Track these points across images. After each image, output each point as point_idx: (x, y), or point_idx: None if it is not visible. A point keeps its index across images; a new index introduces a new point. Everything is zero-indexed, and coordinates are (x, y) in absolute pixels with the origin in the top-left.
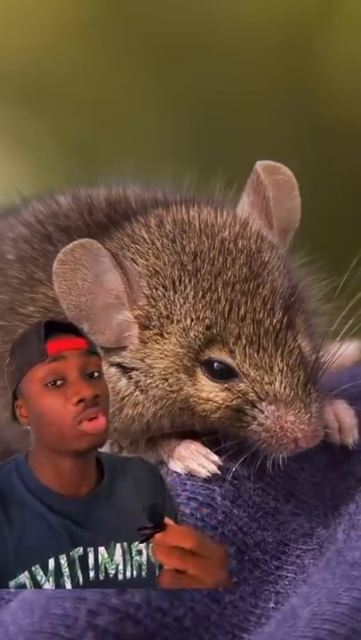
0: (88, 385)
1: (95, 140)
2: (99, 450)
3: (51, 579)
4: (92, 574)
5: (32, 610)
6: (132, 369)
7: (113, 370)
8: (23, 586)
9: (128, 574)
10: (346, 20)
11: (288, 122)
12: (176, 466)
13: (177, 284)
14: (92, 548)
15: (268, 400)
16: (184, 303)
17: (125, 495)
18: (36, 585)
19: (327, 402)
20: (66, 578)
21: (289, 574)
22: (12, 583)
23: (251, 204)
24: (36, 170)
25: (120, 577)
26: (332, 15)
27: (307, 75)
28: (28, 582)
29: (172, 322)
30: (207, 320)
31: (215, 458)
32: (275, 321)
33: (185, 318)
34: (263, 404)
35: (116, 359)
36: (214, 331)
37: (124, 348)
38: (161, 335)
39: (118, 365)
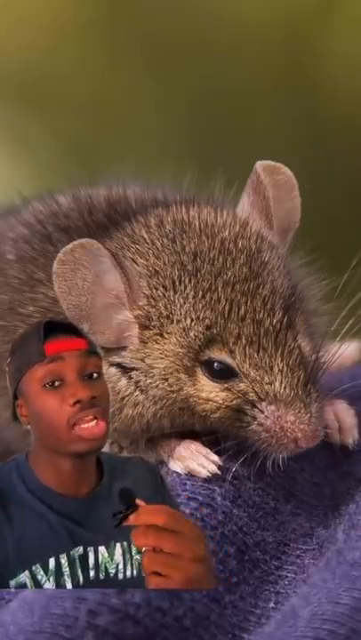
0: (85, 386)
1: (95, 140)
2: None
3: (51, 578)
4: (92, 574)
5: (32, 610)
6: (132, 369)
7: (113, 370)
8: (24, 585)
9: (128, 573)
10: (346, 20)
11: (288, 122)
12: (176, 466)
13: (177, 283)
14: (92, 548)
15: (268, 400)
16: (184, 303)
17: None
18: (37, 584)
19: (327, 402)
20: (66, 577)
21: (289, 574)
22: (12, 582)
23: (251, 204)
24: (36, 170)
25: (120, 576)
26: (332, 15)
27: (307, 75)
28: (28, 582)
29: (172, 322)
30: (207, 320)
31: (215, 458)
32: (275, 321)
33: (185, 318)
34: (263, 404)
35: (116, 359)
36: (214, 331)
37: (124, 348)
38: (161, 335)
39: (118, 365)
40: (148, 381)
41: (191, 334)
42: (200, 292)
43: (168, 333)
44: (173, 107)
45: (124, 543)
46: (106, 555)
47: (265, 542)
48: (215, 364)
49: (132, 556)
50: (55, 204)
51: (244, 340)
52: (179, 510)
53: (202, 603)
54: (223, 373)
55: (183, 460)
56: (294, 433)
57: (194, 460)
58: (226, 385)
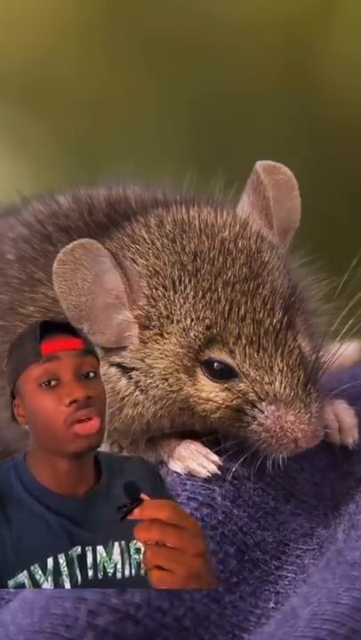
0: (81, 386)
1: (95, 140)
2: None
3: (49, 578)
4: (90, 573)
5: (32, 610)
6: (132, 369)
7: (113, 370)
8: (22, 585)
9: (127, 573)
10: (346, 20)
11: (288, 122)
12: (176, 466)
13: (177, 283)
14: (90, 548)
15: (268, 400)
16: (184, 303)
17: (128, 496)
18: (35, 584)
19: (327, 402)
20: (65, 577)
21: (289, 574)
22: (10, 582)
23: (251, 204)
24: (36, 170)
25: (119, 576)
26: (332, 15)
27: (307, 75)
28: (26, 582)
29: (172, 322)
30: (207, 320)
31: (215, 458)
32: (275, 321)
33: (185, 318)
34: (263, 404)
35: (116, 359)
36: (214, 331)
37: (124, 348)
38: (161, 335)
39: (118, 365)
40: (148, 381)
41: (191, 334)
42: (200, 292)
43: (168, 333)
44: (173, 107)
45: (123, 542)
46: (104, 554)
47: (265, 542)
48: (215, 364)
49: (130, 556)
50: (55, 203)
51: (244, 340)
52: None
53: (202, 603)
54: (223, 373)
55: (183, 460)
56: (294, 433)
57: (194, 459)
58: (226, 385)
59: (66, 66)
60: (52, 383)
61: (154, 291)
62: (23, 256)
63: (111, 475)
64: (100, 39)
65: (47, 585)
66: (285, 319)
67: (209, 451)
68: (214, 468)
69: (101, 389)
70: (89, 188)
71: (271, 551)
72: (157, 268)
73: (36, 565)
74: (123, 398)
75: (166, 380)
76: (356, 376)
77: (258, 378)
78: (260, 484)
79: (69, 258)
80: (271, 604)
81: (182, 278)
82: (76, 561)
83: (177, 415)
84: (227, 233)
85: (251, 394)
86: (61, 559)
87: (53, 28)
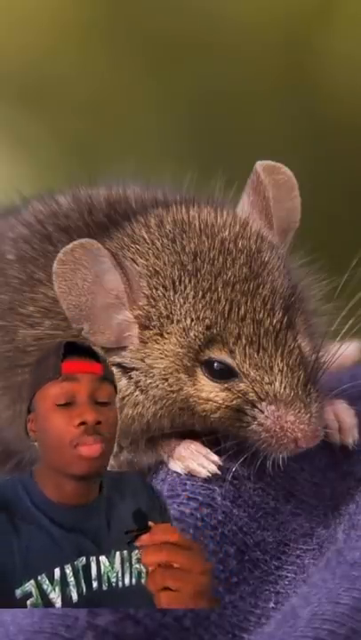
0: (94, 410)
1: (95, 140)
2: None
3: (57, 588)
4: (95, 585)
5: (32, 610)
6: (132, 369)
7: (113, 370)
8: (29, 594)
9: (127, 581)
10: (346, 19)
11: (288, 121)
12: (176, 466)
13: (177, 283)
14: (94, 558)
15: (268, 400)
16: (184, 303)
17: (125, 505)
18: (42, 594)
19: (327, 402)
20: (72, 587)
21: (289, 574)
22: (18, 591)
23: (251, 204)
24: (36, 170)
25: (120, 585)
26: (332, 14)
27: (307, 74)
28: (34, 591)
29: (172, 322)
30: (207, 320)
31: (215, 458)
32: (275, 321)
33: (185, 318)
34: (263, 404)
35: (116, 359)
36: (214, 331)
37: (124, 348)
38: (161, 335)
39: (118, 365)
40: (148, 381)
41: (191, 334)
42: (200, 292)
43: (168, 333)
44: (173, 107)
45: (124, 552)
46: (107, 564)
47: (265, 542)
48: (215, 364)
49: (131, 565)
50: (55, 203)
51: (244, 340)
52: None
53: None
54: (223, 373)
55: (183, 460)
56: (294, 433)
57: (194, 459)
58: (226, 385)
59: (66, 66)
60: (67, 403)
61: (154, 291)
62: (23, 256)
63: (111, 487)
64: (100, 39)
65: (54, 595)
66: (285, 319)
67: (209, 451)
68: (214, 468)
69: (113, 418)
70: (89, 188)
71: (271, 551)
72: (157, 268)
73: (44, 575)
74: (123, 398)
75: (166, 380)
76: (356, 376)
77: (258, 378)
78: (260, 484)
79: (69, 258)
80: (271, 604)
81: (182, 278)
82: (81, 572)
83: (177, 415)
84: (227, 233)
85: (251, 394)
86: (68, 570)
87: (53, 28)
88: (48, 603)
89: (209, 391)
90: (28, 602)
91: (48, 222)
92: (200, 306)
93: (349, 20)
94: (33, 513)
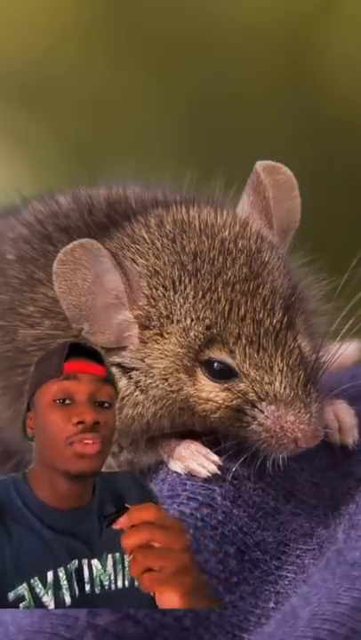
0: (93, 410)
1: (95, 140)
2: None
3: (50, 591)
4: (87, 588)
5: (32, 610)
6: (132, 369)
7: (113, 370)
8: (22, 597)
9: (120, 584)
10: (346, 19)
11: (288, 121)
12: (176, 466)
13: (177, 283)
14: (86, 561)
15: (268, 400)
16: (184, 303)
17: (116, 507)
18: (35, 597)
19: (327, 402)
20: (65, 591)
21: (289, 574)
22: (11, 595)
23: (251, 204)
24: (36, 170)
25: (113, 587)
26: (332, 14)
27: (307, 74)
28: (26, 594)
29: (172, 322)
30: (207, 320)
31: (215, 458)
32: (275, 321)
33: (185, 318)
34: (263, 404)
35: (116, 359)
36: (214, 331)
37: (124, 348)
38: (161, 335)
39: (118, 365)
40: (148, 381)
41: (191, 334)
42: (200, 292)
43: (168, 333)
44: (173, 107)
45: (117, 554)
46: (99, 566)
47: (265, 542)
48: (215, 364)
49: (124, 567)
50: (55, 203)
51: (244, 340)
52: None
53: None
54: (223, 373)
55: (183, 460)
56: (294, 433)
57: (194, 459)
58: (226, 385)
59: (66, 66)
60: (67, 402)
61: (154, 291)
62: (23, 256)
63: (104, 489)
64: (100, 39)
65: (47, 598)
66: (285, 319)
67: (209, 451)
68: (214, 468)
69: (112, 420)
70: (89, 188)
71: (271, 551)
72: (157, 268)
73: (36, 579)
74: (123, 398)
75: (166, 380)
76: (356, 376)
77: (258, 378)
78: (260, 484)
79: (69, 258)
80: (271, 604)
81: (182, 278)
82: (74, 575)
83: (177, 415)
84: (227, 233)
85: (251, 394)
86: (61, 573)
87: (53, 28)
88: (41, 606)
89: (209, 391)
90: (21, 605)
91: (48, 222)
92: (200, 306)
93: (349, 20)
94: (24, 514)
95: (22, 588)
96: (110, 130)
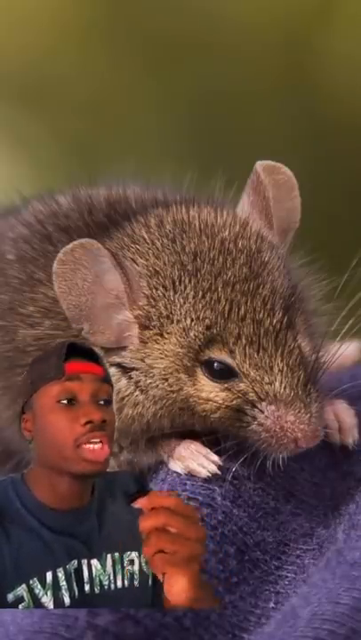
0: (98, 409)
1: (95, 140)
2: None
3: (49, 592)
4: (87, 588)
5: (32, 610)
6: (132, 369)
7: (113, 370)
8: (21, 599)
9: (119, 584)
10: (346, 19)
11: (288, 121)
12: (176, 466)
13: (177, 283)
14: (85, 561)
15: (268, 400)
16: (184, 303)
17: (116, 507)
18: (34, 598)
19: (327, 402)
20: (64, 591)
21: (289, 574)
22: (10, 596)
23: (251, 204)
24: (36, 170)
25: (112, 587)
26: (332, 14)
27: (307, 74)
28: (25, 595)
29: (172, 322)
30: (207, 320)
31: (215, 458)
32: (275, 321)
33: (185, 318)
34: (263, 404)
35: (116, 359)
36: (214, 331)
37: (124, 348)
38: (161, 335)
39: (118, 365)
40: (148, 381)
41: (191, 334)
42: (200, 292)
43: (168, 333)
44: (173, 107)
45: (115, 554)
46: (99, 566)
47: (265, 542)
48: (215, 364)
49: (123, 567)
50: (55, 203)
51: (244, 340)
52: None
53: None
54: (223, 373)
55: (183, 460)
56: (294, 433)
57: (194, 459)
58: (226, 385)
59: (66, 66)
60: (71, 402)
61: (154, 291)
62: (23, 256)
63: (103, 489)
64: (100, 39)
65: (46, 599)
66: (285, 319)
67: (209, 451)
68: (214, 468)
69: (113, 417)
70: (89, 188)
71: (271, 551)
72: (157, 268)
73: (35, 579)
74: (123, 398)
75: (166, 380)
76: (356, 376)
77: (258, 378)
78: (260, 484)
79: (69, 258)
80: (271, 604)
81: (182, 278)
82: (73, 575)
83: (177, 415)
84: (227, 233)
85: (251, 394)
86: (60, 573)
87: (53, 28)
88: (40, 607)
89: (209, 391)
90: (20, 606)
91: (48, 222)
92: (200, 306)
93: (349, 20)
94: (22, 515)
95: (21, 589)
96: (110, 130)
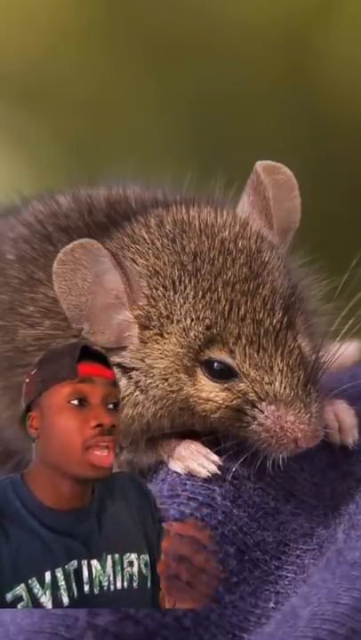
0: (108, 413)
1: (95, 140)
2: None
3: (47, 592)
4: (86, 588)
5: (32, 610)
6: (132, 369)
7: (113, 370)
8: (20, 598)
9: (119, 585)
10: (346, 19)
11: (288, 121)
12: (176, 466)
13: (177, 283)
14: (85, 561)
15: (268, 400)
16: (184, 303)
17: (116, 508)
18: (33, 598)
19: (327, 402)
20: (63, 591)
21: (289, 574)
22: (9, 595)
23: (251, 204)
24: (36, 170)
25: (111, 588)
26: (332, 14)
27: (307, 74)
28: (24, 595)
29: (172, 322)
30: (207, 320)
31: (215, 458)
32: (275, 321)
33: (185, 318)
34: (263, 404)
35: (116, 359)
36: (214, 331)
37: (124, 348)
38: (161, 335)
39: (118, 365)
40: (148, 381)
41: (191, 334)
42: (200, 292)
43: (168, 333)
44: (173, 107)
45: (115, 555)
46: (99, 567)
47: (265, 542)
48: (215, 364)
49: (122, 568)
50: (55, 203)
51: (244, 340)
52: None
53: None
54: (223, 373)
55: (183, 460)
56: (294, 433)
57: (194, 459)
58: (226, 385)
59: (66, 66)
60: (82, 404)
61: (154, 291)
62: (23, 256)
63: (103, 490)
64: (100, 39)
65: (45, 599)
66: (285, 319)
67: (209, 451)
68: (214, 468)
69: (119, 422)
70: (89, 188)
71: (271, 551)
72: (157, 268)
73: (34, 579)
74: (123, 398)
75: (166, 379)
76: (356, 376)
77: (258, 378)
78: (260, 484)
79: (69, 258)
80: (271, 604)
81: (182, 278)
82: (72, 575)
83: (177, 415)
84: (227, 233)
85: (251, 394)
86: (59, 573)
87: (53, 28)
88: (39, 607)
89: (209, 391)
90: (19, 606)
91: (48, 222)
92: (200, 306)
93: (349, 20)
94: (22, 515)
95: (20, 589)
96: (110, 130)
